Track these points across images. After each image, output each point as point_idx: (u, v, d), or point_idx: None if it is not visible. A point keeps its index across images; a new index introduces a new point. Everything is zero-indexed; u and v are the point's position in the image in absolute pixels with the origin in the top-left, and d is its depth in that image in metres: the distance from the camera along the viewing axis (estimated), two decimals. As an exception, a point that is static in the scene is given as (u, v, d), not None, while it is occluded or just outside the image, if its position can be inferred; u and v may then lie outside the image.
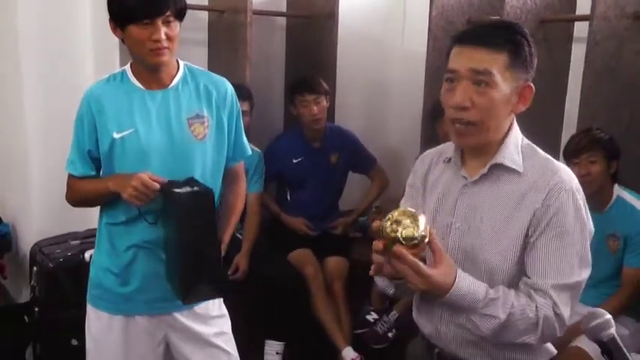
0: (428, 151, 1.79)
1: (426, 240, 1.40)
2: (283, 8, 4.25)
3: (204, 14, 3.88)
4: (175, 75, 2.05)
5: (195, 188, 1.90)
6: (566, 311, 1.48)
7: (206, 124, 2.05)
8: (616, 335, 1.24)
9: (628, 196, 2.81)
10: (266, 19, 4.15)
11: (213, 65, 3.81)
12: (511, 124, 1.59)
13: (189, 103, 2.04)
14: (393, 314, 3.53)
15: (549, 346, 1.65)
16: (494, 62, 1.48)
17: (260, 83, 3.96)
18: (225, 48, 3.77)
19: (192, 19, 3.73)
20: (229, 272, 3.28)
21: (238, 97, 3.34)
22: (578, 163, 2.70)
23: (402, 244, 1.38)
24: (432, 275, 1.39)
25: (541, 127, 3.26)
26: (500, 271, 1.53)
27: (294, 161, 3.68)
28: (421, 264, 1.38)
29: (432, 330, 1.68)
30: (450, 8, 3.67)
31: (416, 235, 1.38)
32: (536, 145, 1.64)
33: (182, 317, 2.13)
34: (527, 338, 1.48)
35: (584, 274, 1.51)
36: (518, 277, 1.53)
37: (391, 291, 1.66)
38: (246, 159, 3.50)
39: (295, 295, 3.40)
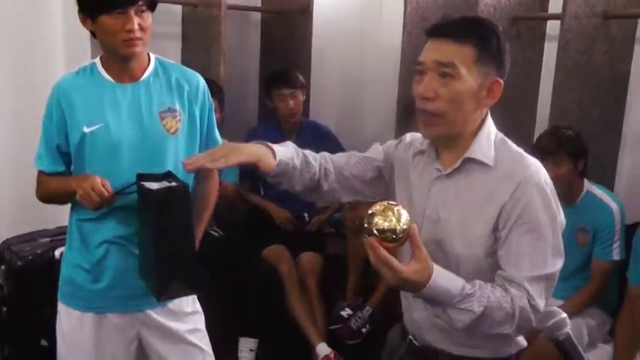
0: (415, 134, 1.78)
1: (405, 234, 1.39)
2: (258, 3, 4.23)
3: (178, 8, 3.84)
4: (146, 68, 2.03)
5: (172, 183, 1.88)
6: (541, 302, 1.49)
7: (178, 117, 2.03)
8: (571, 333, 1.27)
9: (597, 190, 2.84)
10: (240, 14, 4.12)
11: (188, 60, 3.78)
12: (484, 118, 1.60)
13: (161, 96, 2.02)
14: (367, 310, 3.51)
15: (520, 338, 1.67)
16: (460, 55, 1.50)
17: (235, 78, 3.93)
18: (200, 42, 3.74)
19: (165, 12, 3.71)
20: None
21: None
22: (545, 166, 2.73)
23: (377, 236, 1.37)
24: (404, 272, 1.38)
25: (514, 123, 3.26)
26: (468, 262, 1.55)
27: None
28: (394, 260, 1.37)
29: (407, 316, 1.72)
30: (424, 5, 3.67)
31: (396, 228, 1.37)
32: (510, 140, 1.65)
33: (155, 314, 2.11)
34: (502, 329, 1.49)
35: (558, 264, 1.53)
36: (486, 269, 1.55)
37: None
38: None
39: (269, 292, 3.38)
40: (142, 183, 1.88)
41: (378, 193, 1.79)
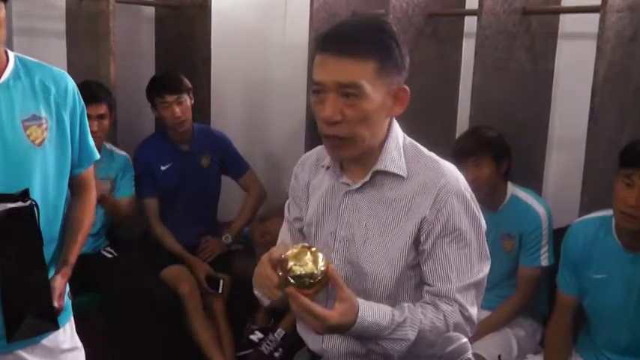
0: (306, 155, 1.79)
1: (324, 276, 1.39)
2: (150, -4, 4.12)
3: (62, 1, 3.65)
4: (5, 69, 1.83)
5: (11, 205, 1.73)
6: (473, 311, 1.53)
7: (45, 126, 1.85)
8: (472, 358, 1.30)
9: (522, 194, 2.83)
10: (131, 8, 3.98)
11: (74, 60, 3.62)
12: (389, 127, 1.59)
13: (24, 102, 1.83)
14: (279, 332, 3.45)
15: None
16: (362, 73, 1.46)
17: (127, 80, 3.80)
18: (87, 40, 3.58)
19: (47, 6, 3.60)
20: None
21: (95, 98, 3.12)
22: (465, 168, 2.67)
23: (294, 284, 1.38)
24: (330, 317, 1.38)
25: (434, 125, 3.33)
26: (387, 279, 1.55)
27: (163, 168, 3.52)
28: (317, 307, 1.38)
29: (316, 345, 1.68)
30: (332, 0, 3.61)
31: (313, 272, 1.37)
32: (430, 144, 1.62)
33: (27, 354, 1.90)
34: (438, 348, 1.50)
35: (485, 268, 1.57)
36: (405, 284, 1.55)
37: (267, 302, 1.63)
38: (112, 165, 3.33)
39: (170, 316, 3.27)
40: None
41: None
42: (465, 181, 1.57)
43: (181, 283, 3.32)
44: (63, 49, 3.65)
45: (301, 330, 1.74)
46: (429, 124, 3.22)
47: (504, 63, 3.07)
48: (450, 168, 1.57)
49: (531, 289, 2.79)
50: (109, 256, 3.36)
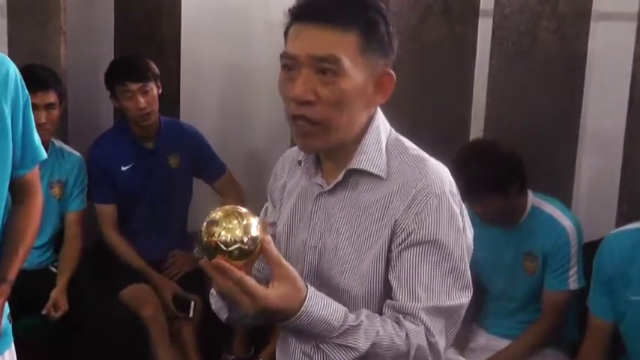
0: (289, 151, 1.81)
1: (254, 247, 1.35)
2: (108, -36, 4.12)
3: (1, -28, 3.67)
4: None
5: None
6: (440, 341, 1.50)
7: None
8: None
9: (546, 205, 2.82)
10: None
11: (16, 41, 3.62)
12: (371, 119, 1.60)
13: None
14: None
15: None
16: (342, 45, 1.48)
17: (81, 65, 3.84)
18: (32, 18, 3.61)
19: None
20: (44, 312, 3.16)
21: (42, 84, 3.12)
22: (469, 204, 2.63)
23: (223, 252, 1.32)
24: (265, 296, 1.35)
25: (445, 118, 3.30)
26: (361, 297, 1.55)
27: (123, 169, 3.52)
28: (249, 280, 1.34)
29: None
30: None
31: (244, 239, 1.33)
32: (441, 140, 1.69)
33: None
34: None
35: (464, 297, 1.53)
36: (379, 302, 1.55)
37: (224, 315, 1.63)
38: (62, 166, 3.33)
39: (131, 344, 3.27)
40: None
41: None
42: (454, 186, 1.57)
43: (144, 305, 3.34)
44: (3, 28, 3.66)
45: (278, 353, 1.74)
46: (440, 117, 3.20)
47: (527, 47, 3.08)
48: (436, 168, 1.57)
49: (558, 315, 2.80)
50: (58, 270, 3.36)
